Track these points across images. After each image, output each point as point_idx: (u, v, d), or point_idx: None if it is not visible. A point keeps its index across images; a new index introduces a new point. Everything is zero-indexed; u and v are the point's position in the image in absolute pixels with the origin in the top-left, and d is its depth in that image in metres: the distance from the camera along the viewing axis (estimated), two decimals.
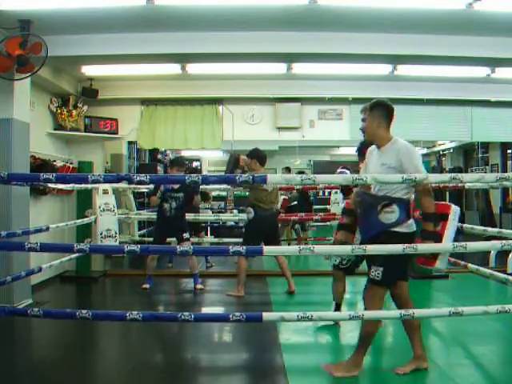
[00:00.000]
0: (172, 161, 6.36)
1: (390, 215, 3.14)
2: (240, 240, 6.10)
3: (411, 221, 3.21)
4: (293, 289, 5.74)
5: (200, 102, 7.95)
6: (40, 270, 4.78)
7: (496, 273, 4.90)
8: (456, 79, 7.33)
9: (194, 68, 6.57)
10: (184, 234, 6.04)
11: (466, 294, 5.82)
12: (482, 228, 5.50)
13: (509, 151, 10.58)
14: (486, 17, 4.67)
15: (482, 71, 6.59)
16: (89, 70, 6.74)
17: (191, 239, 6.31)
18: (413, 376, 3.36)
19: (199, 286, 6.08)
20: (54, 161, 6.45)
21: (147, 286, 6.11)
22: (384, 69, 6.55)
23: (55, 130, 6.88)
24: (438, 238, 3.18)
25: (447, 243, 3.21)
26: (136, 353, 3.91)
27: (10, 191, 4.89)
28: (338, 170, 5.32)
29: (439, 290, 6.07)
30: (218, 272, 7.16)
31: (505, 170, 10.35)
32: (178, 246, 3.14)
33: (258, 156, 5.77)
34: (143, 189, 8.03)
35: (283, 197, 8.85)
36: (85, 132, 7.29)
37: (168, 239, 6.31)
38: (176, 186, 5.94)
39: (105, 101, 7.53)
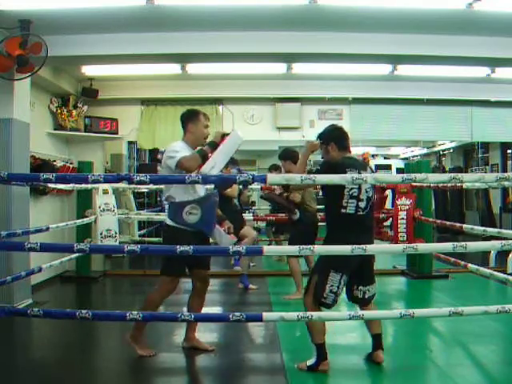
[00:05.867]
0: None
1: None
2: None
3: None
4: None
5: (200, 102, 7.94)
6: (40, 270, 4.78)
7: (496, 273, 4.89)
8: (456, 79, 7.33)
9: (193, 68, 6.57)
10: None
11: (466, 294, 5.82)
12: (482, 228, 5.50)
13: (509, 151, 10.58)
14: (486, 17, 4.66)
15: (482, 71, 6.59)
16: (89, 70, 6.74)
17: None
18: (413, 376, 3.37)
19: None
20: (54, 161, 6.45)
21: (253, 286, 6.05)
22: (384, 69, 6.55)
23: (55, 130, 6.89)
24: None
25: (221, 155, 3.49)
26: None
27: (10, 191, 4.89)
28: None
29: (439, 290, 6.07)
30: (217, 272, 7.15)
31: (505, 170, 10.34)
32: (177, 246, 3.13)
33: (293, 156, 5.38)
34: (143, 189, 8.03)
35: None
36: (85, 132, 7.29)
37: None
38: None
39: (105, 101, 7.53)
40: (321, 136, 3.55)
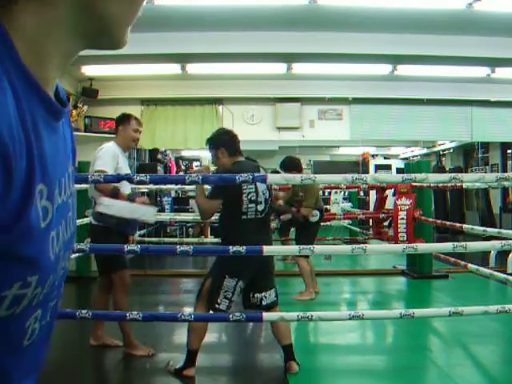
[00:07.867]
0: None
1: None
2: None
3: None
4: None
5: (200, 102, 7.95)
6: None
7: (496, 273, 4.89)
8: (456, 79, 7.34)
9: (193, 68, 6.58)
10: None
11: (465, 294, 5.82)
12: (482, 228, 5.50)
13: (509, 151, 10.59)
14: (486, 17, 4.67)
15: (481, 71, 6.60)
16: (89, 70, 6.75)
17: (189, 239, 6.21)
18: (413, 376, 3.37)
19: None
20: None
21: None
22: (384, 69, 6.56)
23: None
24: None
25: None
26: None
27: None
28: None
29: (439, 290, 6.07)
30: None
31: (505, 170, 10.35)
32: (178, 246, 3.13)
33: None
34: (143, 189, 8.02)
35: None
36: (85, 132, 7.30)
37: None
38: None
39: (105, 101, 7.54)
40: (209, 141, 3.30)
